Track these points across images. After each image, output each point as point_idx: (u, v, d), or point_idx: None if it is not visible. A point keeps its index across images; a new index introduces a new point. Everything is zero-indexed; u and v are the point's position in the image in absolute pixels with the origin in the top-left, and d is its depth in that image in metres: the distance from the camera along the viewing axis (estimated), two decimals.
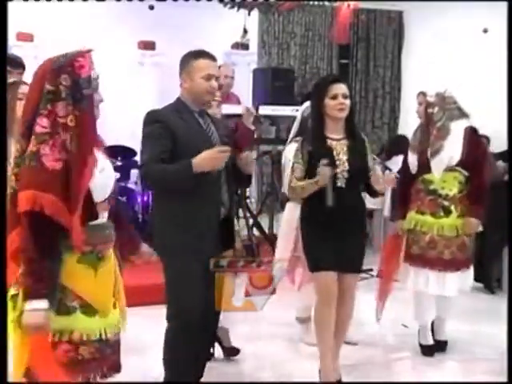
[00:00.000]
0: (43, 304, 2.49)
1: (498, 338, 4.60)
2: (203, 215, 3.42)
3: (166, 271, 3.48)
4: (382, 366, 4.52)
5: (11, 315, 2.56)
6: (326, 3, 9.18)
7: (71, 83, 2.55)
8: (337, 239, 3.81)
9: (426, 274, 4.52)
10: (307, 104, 4.46)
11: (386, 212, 7.32)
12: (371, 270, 6.38)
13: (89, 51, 2.62)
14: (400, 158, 7.64)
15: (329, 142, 3.84)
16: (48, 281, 2.50)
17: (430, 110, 4.53)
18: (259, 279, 4.52)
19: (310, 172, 3.83)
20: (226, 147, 3.32)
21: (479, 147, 4.57)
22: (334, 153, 3.81)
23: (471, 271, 4.67)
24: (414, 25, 10.23)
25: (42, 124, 2.53)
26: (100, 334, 2.65)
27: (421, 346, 4.70)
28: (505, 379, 3.67)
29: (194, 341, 3.46)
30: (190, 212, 3.40)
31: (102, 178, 2.64)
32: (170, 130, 3.37)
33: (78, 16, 8.20)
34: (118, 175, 5.53)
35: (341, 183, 3.81)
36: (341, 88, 3.82)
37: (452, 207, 4.49)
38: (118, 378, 2.77)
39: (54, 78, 2.56)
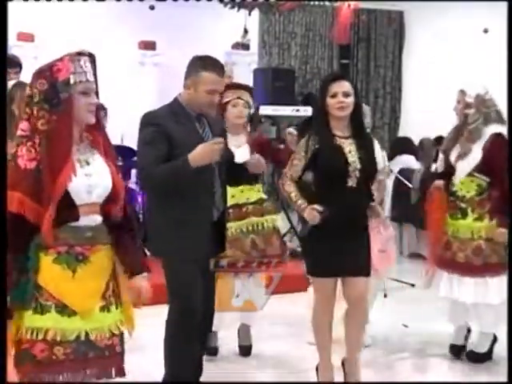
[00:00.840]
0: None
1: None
2: (198, 218, 3.44)
3: (165, 272, 3.51)
4: (383, 366, 4.51)
5: None
6: (327, 3, 9.19)
7: (48, 87, 2.57)
8: (345, 242, 3.68)
9: (441, 276, 4.47)
10: None
11: (387, 212, 7.32)
12: None
13: (69, 54, 2.60)
14: (403, 157, 7.71)
15: (337, 140, 3.71)
16: (12, 276, 2.53)
17: (466, 111, 4.39)
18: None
19: (313, 168, 3.75)
20: (219, 139, 3.35)
21: (502, 154, 4.28)
22: (344, 151, 3.69)
23: (496, 282, 4.34)
24: (414, 25, 10.24)
25: (22, 127, 2.60)
26: (78, 336, 2.61)
27: (451, 345, 4.59)
28: (505, 379, 3.68)
29: (192, 340, 3.48)
30: (185, 215, 3.41)
31: (87, 182, 2.63)
32: (165, 134, 3.38)
33: (79, 16, 8.21)
34: None
35: (352, 183, 3.68)
36: (341, 86, 3.70)
37: (469, 210, 4.38)
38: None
39: (31, 83, 2.61)
